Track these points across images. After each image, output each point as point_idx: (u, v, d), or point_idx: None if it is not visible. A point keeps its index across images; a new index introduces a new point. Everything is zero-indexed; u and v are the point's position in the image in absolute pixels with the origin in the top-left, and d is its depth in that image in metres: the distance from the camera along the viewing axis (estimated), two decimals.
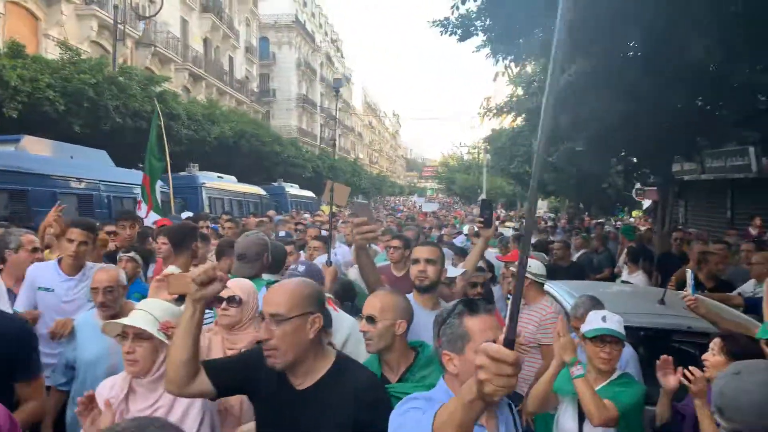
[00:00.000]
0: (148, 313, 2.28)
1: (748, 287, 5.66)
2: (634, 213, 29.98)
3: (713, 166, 12.52)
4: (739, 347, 2.60)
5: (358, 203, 3.20)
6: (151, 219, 7.75)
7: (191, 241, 3.88)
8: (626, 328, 3.69)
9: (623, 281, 7.28)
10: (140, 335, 2.21)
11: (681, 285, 5.73)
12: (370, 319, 2.34)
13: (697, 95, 7.99)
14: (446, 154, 78.39)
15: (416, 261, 2.95)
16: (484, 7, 6.60)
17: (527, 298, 3.99)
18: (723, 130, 8.98)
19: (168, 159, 8.75)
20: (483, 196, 46.52)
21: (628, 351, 3.26)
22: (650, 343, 3.91)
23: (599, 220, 16.88)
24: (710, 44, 5.79)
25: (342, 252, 6.62)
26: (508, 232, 13.48)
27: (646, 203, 25.19)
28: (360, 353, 2.78)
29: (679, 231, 8.00)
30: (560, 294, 4.56)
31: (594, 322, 2.79)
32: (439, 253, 3.00)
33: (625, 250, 7.83)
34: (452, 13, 6.68)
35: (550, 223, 17.32)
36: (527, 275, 3.95)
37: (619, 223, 21.34)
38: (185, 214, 8.31)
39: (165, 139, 7.94)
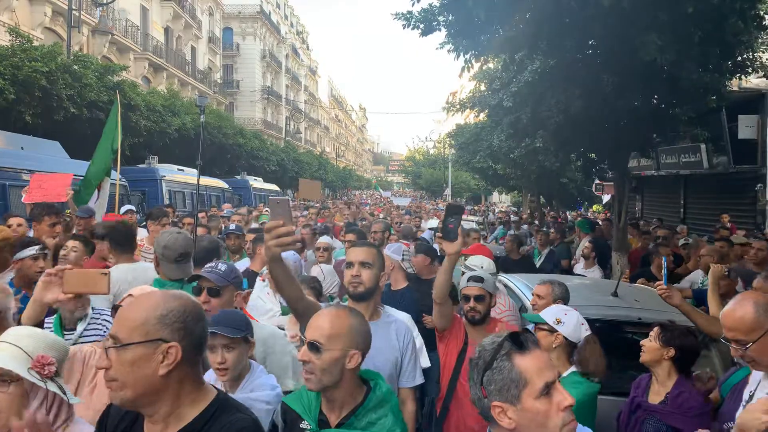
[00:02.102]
0: (14, 346, 1.73)
1: (696, 277, 5.90)
2: (594, 207, 30.77)
3: (667, 162, 12.95)
4: (673, 336, 2.74)
5: (274, 200, 2.22)
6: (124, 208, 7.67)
7: (133, 240, 3.79)
8: None
9: (578, 274, 7.47)
10: (2, 377, 1.69)
11: (634, 278, 5.94)
12: (314, 347, 1.86)
13: (652, 94, 8.22)
14: (412, 149, 78.69)
15: (350, 264, 2.57)
16: (447, 2, 6.62)
17: None
18: (676, 127, 9.27)
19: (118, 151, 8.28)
20: (448, 191, 47.02)
21: None
22: (603, 334, 4.01)
23: (555, 216, 17.25)
24: (663, 44, 5.96)
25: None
26: (471, 225, 13.69)
27: (606, 198, 25.91)
28: (282, 366, 2.65)
29: (663, 229, 8.23)
30: (518, 287, 4.65)
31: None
32: (376, 255, 2.61)
33: (587, 243, 8.03)
34: (413, 5, 6.67)
35: (514, 218, 17.63)
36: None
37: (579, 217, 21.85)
38: (125, 207, 8.01)
39: (119, 130, 7.66)
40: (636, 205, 17.60)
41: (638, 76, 7.74)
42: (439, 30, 7.29)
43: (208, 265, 2.78)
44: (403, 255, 4.49)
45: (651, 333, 2.83)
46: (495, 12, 5.51)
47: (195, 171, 18.12)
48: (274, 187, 26.21)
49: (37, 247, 3.53)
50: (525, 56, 8.08)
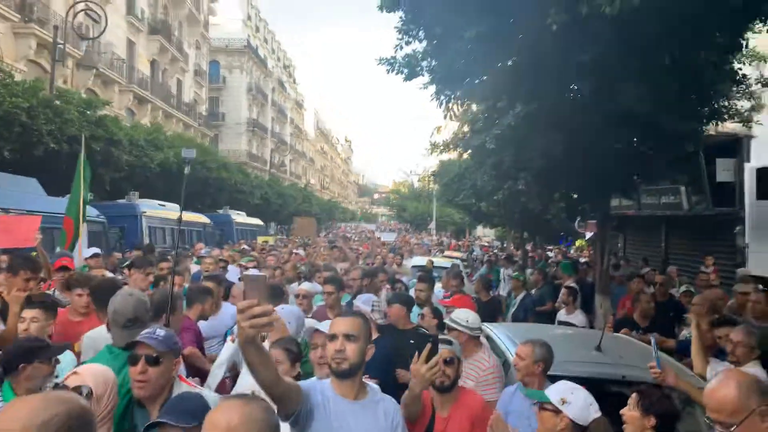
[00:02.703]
0: None
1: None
2: (578, 242, 30.98)
3: (648, 202, 13.09)
4: (652, 402, 2.66)
5: (249, 276, 1.97)
6: (89, 252, 7.17)
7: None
8: (562, 377, 3.75)
9: (560, 322, 7.40)
10: None
11: (619, 326, 5.88)
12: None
13: (632, 138, 8.35)
14: (397, 181, 79.17)
15: (333, 337, 2.37)
16: (429, 49, 6.69)
17: (465, 352, 3.92)
18: (656, 171, 9.38)
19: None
20: (432, 225, 47.05)
21: None
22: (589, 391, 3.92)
23: (532, 255, 17.29)
24: (642, 93, 6.06)
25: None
26: (455, 262, 13.60)
27: (589, 234, 26.13)
28: None
29: (660, 275, 8.10)
30: (501, 340, 4.55)
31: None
32: (362, 326, 2.42)
33: (563, 290, 7.99)
34: (395, 52, 6.74)
35: (502, 255, 17.60)
36: (461, 329, 3.91)
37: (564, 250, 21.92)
38: (89, 251, 7.16)
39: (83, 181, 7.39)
40: (618, 243, 17.73)
41: (618, 120, 7.86)
42: (422, 75, 7.36)
43: (146, 330, 2.56)
44: (372, 306, 4.40)
45: (630, 400, 2.75)
46: (476, 62, 5.57)
47: (177, 206, 17.97)
48: (257, 221, 26.02)
49: None
50: (506, 101, 8.17)
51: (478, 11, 4.04)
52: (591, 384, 3.90)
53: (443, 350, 3.02)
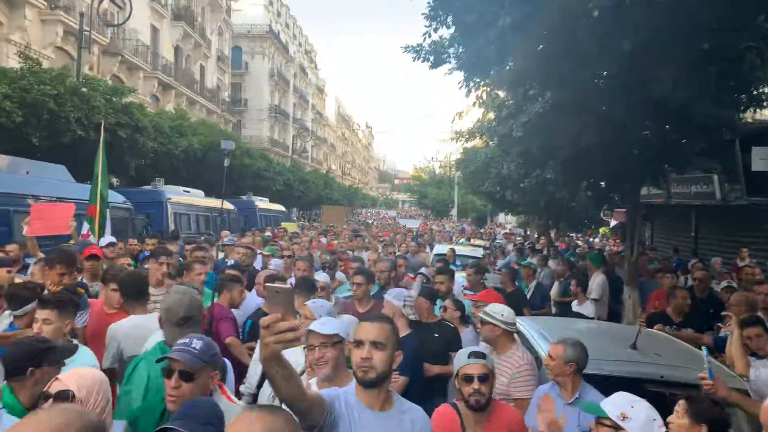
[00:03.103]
0: None
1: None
2: (602, 230, 30.52)
3: (679, 191, 12.75)
4: (703, 410, 2.56)
5: (273, 287, 1.79)
6: (105, 241, 7.04)
7: (146, 289, 3.64)
8: (596, 376, 3.65)
9: (575, 312, 7.36)
10: None
11: (651, 322, 5.73)
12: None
13: (664, 126, 8.09)
14: (418, 167, 78.76)
15: (359, 343, 2.22)
16: (457, 35, 6.53)
17: (497, 347, 3.85)
18: (688, 159, 9.11)
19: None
20: (454, 212, 46.78)
21: None
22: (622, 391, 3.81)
23: (555, 245, 17.03)
24: (679, 80, 5.83)
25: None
26: (478, 252, 13.45)
27: (613, 222, 25.69)
28: None
29: (702, 270, 7.76)
30: (532, 336, 4.45)
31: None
32: (390, 333, 2.27)
33: (572, 281, 7.92)
34: (424, 40, 6.60)
35: (527, 243, 17.34)
36: (497, 323, 3.83)
37: (589, 240, 21.57)
38: (105, 240, 6.97)
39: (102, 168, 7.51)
40: (646, 232, 17.36)
41: (650, 108, 7.62)
42: (449, 62, 7.21)
43: (182, 341, 2.40)
44: (404, 300, 4.22)
45: (677, 408, 2.63)
46: (507, 50, 5.42)
47: (201, 192, 18.13)
48: (280, 207, 26.11)
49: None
50: (536, 89, 7.97)
51: None
52: (627, 384, 3.80)
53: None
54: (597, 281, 8.80)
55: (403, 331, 4.00)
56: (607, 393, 3.63)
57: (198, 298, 3.03)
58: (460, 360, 2.92)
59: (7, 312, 3.67)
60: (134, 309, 3.61)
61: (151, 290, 4.07)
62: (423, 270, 7.03)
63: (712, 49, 5.55)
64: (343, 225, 24.15)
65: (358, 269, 5.32)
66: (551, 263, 11.32)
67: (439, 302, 5.34)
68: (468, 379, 2.79)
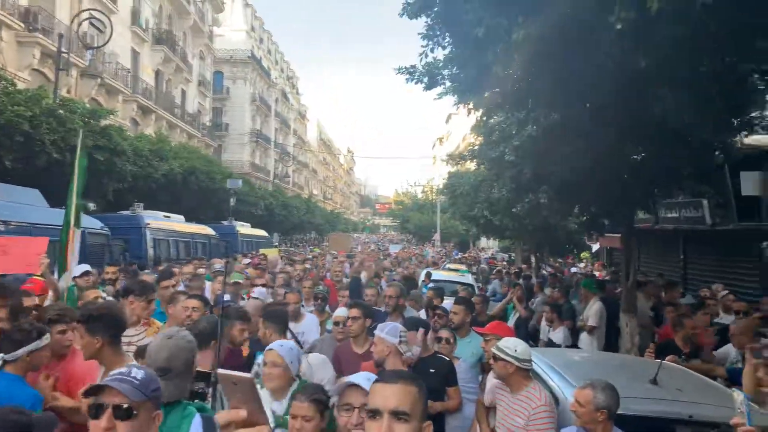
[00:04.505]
0: None
1: (728, 353, 5.46)
2: (583, 254, 30.54)
3: (667, 216, 12.71)
4: None
5: (231, 378, 1.79)
6: (79, 269, 6.41)
7: (123, 327, 3.16)
8: (620, 416, 3.35)
9: (548, 339, 7.23)
10: None
11: (660, 352, 5.48)
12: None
13: (658, 150, 7.99)
14: (400, 192, 78.82)
15: (374, 414, 1.71)
16: (452, 56, 6.37)
17: (512, 386, 3.55)
18: (680, 183, 9.04)
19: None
20: (437, 236, 46.64)
21: None
22: None
23: (553, 272, 16.84)
24: (682, 101, 5.71)
25: (308, 324, 5.48)
26: (467, 279, 13.15)
27: (595, 246, 25.71)
28: None
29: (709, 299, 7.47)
30: (542, 370, 4.15)
31: None
32: (416, 397, 1.75)
33: (545, 307, 7.80)
34: (420, 61, 6.43)
35: (513, 269, 17.06)
36: (510, 360, 3.53)
37: (574, 268, 21.43)
38: (79, 268, 6.34)
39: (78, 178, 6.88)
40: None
41: (645, 132, 7.52)
42: (444, 84, 7.05)
43: (117, 371, 1.95)
44: (400, 336, 3.69)
45: None
46: (512, 67, 5.24)
47: (181, 217, 17.64)
48: (262, 232, 25.64)
49: None
50: (529, 111, 7.84)
51: (530, 10, 3.71)
52: (652, 425, 3.51)
53: None
54: (594, 308, 8.58)
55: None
56: None
57: (185, 347, 2.51)
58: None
59: None
60: (109, 355, 3.03)
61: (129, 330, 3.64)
62: (446, 304, 6.50)
63: (714, 70, 5.44)
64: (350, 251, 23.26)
65: (355, 301, 4.84)
66: (546, 290, 11.10)
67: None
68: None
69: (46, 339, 3.12)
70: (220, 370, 1.24)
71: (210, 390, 2.38)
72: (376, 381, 1.81)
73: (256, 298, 5.87)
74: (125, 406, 1.82)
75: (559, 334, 7.39)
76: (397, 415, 1.66)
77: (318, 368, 3.76)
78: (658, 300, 9.45)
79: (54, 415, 2.59)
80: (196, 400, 2.45)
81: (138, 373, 1.92)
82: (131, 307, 3.91)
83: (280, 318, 4.12)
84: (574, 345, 8.14)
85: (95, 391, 1.87)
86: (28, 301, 4.27)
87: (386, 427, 1.63)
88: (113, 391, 1.83)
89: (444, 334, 4.82)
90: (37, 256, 5.16)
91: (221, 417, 1.21)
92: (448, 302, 6.81)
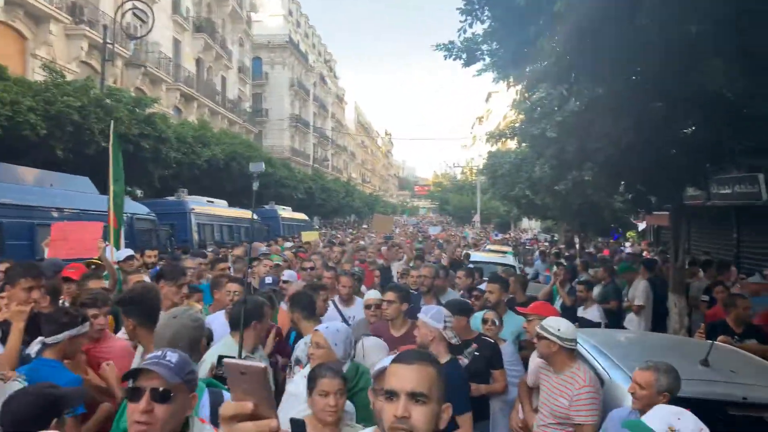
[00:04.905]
0: None
1: None
2: (629, 234, 29.69)
3: (720, 192, 12.17)
4: None
5: (237, 366, 1.16)
6: (123, 254, 6.60)
7: (158, 311, 3.18)
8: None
9: (579, 317, 7.01)
10: None
11: (711, 333, 5.28)
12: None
13: (711, 123, 7.62)
14: (439, 174, 78.30)
15: (391, 395, 1.64)
16: (492, 30, 6.19)
17: (555, 365, 3.48)
18: (734, 158, 8.61)
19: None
20: (477, 218, 46.21)
21: None
22: (699, 416, 3.40)
23: (593, 252, 16.43)
24: (734, 72, 5.40)
25: (359, 307, 5.15)
26: (507, 260, 12.93)
27: (642, 225, 24.93)
28: None
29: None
30: (588, 350, 4.06)
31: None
32: (435, 379, 1.69)
33: (578, 285, 7.58)
34: (459, 37, 6.27)
35: (556, 248, 16.70)
36: (553, 339, 3.46)
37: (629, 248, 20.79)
38: (123, 253, 6.44)
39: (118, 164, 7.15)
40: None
41: (695, 104, 7.17)
42: (483, 60, 6.87)
43: (152, 354, 1.97)
44: (445, 321, 3.58)
45: None
46: (556, 40, 5.06)
47: (224, 202, 18.03)
48: (302, 216, 25.97)
49: None
50: (572, 85, 7.58)
51: None
52: (704, 407, 3.38)
53: None
54: (640, 287, 8.37)
55: (443, 358, 3.51)
56: None
57: (192, 325, 2.54)
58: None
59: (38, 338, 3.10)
60: (147, 337, 3.10)
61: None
62: (483, 286, 6.46)
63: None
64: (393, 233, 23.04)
65: (391, 285, 4.81)
66: (590, 271, 10.84)
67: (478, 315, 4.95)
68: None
69: (87, 325, 3.11)
70: (228, 359, 1.17)
71: None
72: (393, 361, 1.73)
73: (287, 281, 5.91)
74: (162, 389, 1.83)
75: (594, 312, 7.18)
76: (414, 396, 1.61)
77: (371, 351, 3.72)
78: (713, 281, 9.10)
79: (83, 388, 2.66)
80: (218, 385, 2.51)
81: (173, 357, 1.93)
82: (163, 292, 3.98)
83: (305, 303, 4.11)
84: (615, 325, 7.94)
85: (133, 374, 1.89)
86: (96, 283, 4.47)
87: (403, 409, 1.58)
88: (151, 374, 1.84)
89: (490, 315, 4.74)
90: (94, 240, 5.35)
91: (225, 409, 1.16)
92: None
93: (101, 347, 3.43)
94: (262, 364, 1.24)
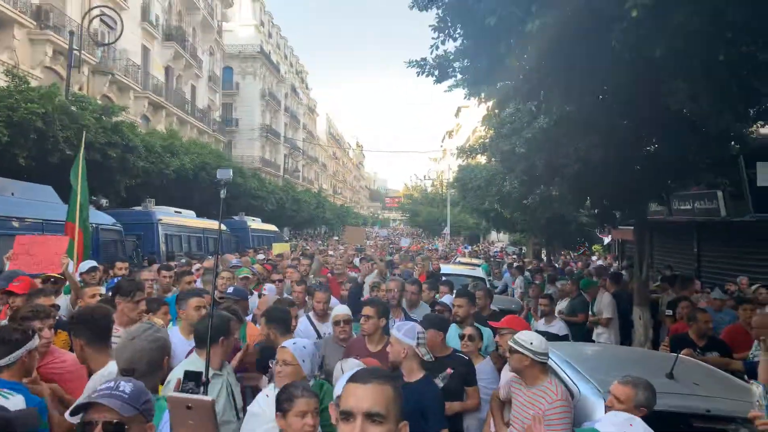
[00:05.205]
0: None
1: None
2: (595, 247, 30.34)
3: (681, 208, 12.56)
4: None
5: (180, 400, 1.57)
6: (85, 265, 6.27)
7: (108, 329, 3.08)
8: None
9: (538, 331, 7.12)
10: None
11: (674, 345, 5.43)
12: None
13: (674, 140, 7.90)
14: (410, 186, 78.66)
15: (347, 416, 1.61)
16: (463, 48, 6.31)
17: (527, 379, 3.53)
18: (696, 175, 8.92)
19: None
20: (446, 230, 46.56)
21: None
22: (665, 429, 3.49)
23: (561, 266, 16.72)
24: (698, 91, 5.63)
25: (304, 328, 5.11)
26: (477, 272, 13.07)
27: (607, 239, 25.53)
28: None
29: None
30: (558, 364, 4.12)
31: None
32: (392, 398, 1.66)
33: (541, 299, 7.73)
34: (431, 53, 6.37)
35: (519, 261, 16.94)
36: (527, 353, 3.50)
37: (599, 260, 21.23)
38: (86, 264, 6.20)
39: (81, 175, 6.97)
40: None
41: (659, 122, 7.42)
42: (455, 77, 6.99)
43: (105, 384, 1.87)
44: (418, 338, 3.51)
45: None
46: (525, 59, 5.18)
47: (192, 213, 17.72)
48: (272, 227, 25.72)
49: None
50: (541, 102, 7.77)
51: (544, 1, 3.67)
52: (669, 420, 3.47)
53: None
54: (605, 301, 8.53)
55: (417, 375, 3.51)
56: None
57: (150, 346, 2.46)
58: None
59: None
60: (97, 357, 3.01)
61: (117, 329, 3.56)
62: (445, 299, 6.51)
63: (730, 59, 5.34)
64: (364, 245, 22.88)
65: (370, 299, 4.79)
66: (557, 284, 11.04)
67: (453, 328, 4.97)
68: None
69: (37, 338, 2.91)
70: (172, 394, 1.10)
71: (201, 389, 2.33)
72: (349, 381, 1.69)
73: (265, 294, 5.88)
74: (116, 421, 1.74)
75: (558, 325, 7.29)
76: (371, 416, 1.57)
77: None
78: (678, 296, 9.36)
79: (35, 411, 2.51)
80: None
81: (126, 387, 1.84)
82: (119, 308, 3.86)
83: (281, 319, 4.07)
84: (584, 339, 8.09)
85: (84, 407, 1.79)
86: (46, 301, 4.27)
87: (359, 430, 1.55)
88: (102, 408, 1.75)
89: (468, 330, 4.67)
90: (57, 255, 5.20)
91: None
92: (448, 297, 6.76)
93: (52, 363, 3.23)
94: (209, 398, 1.19)
